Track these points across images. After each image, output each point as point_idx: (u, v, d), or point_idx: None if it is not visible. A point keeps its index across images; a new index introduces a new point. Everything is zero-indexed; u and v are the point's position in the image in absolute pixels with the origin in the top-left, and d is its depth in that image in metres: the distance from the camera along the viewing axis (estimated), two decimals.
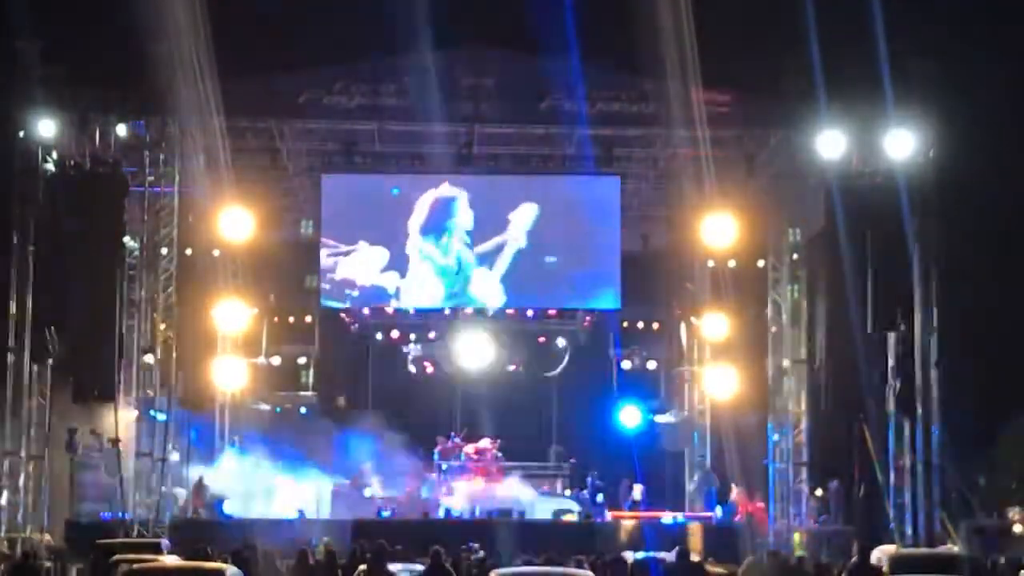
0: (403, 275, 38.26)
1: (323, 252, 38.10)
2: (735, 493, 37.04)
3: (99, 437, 34.23)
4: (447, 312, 40.36)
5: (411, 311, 40.45)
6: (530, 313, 40.73)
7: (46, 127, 33.23)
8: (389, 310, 40.15)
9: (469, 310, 39.99)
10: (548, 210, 37.90)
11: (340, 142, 36.65)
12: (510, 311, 39.90)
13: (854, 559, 24.08)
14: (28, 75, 33.07)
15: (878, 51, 32.30)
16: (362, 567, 23.40)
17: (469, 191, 37.96)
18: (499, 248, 38.03)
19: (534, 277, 38.29)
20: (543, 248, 37.96)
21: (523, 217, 37.94)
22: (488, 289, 38.38)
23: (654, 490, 39.97)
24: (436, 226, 38.13)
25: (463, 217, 38.06)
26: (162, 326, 35.57)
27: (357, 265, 38.18)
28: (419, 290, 38.42)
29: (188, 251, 37.11)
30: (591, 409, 42.85)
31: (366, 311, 40.35)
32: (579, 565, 23.73)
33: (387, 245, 38.09)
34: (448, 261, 38.25)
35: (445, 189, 37.93)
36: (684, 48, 32.03)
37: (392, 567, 23.22)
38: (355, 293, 38.48)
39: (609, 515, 37.29)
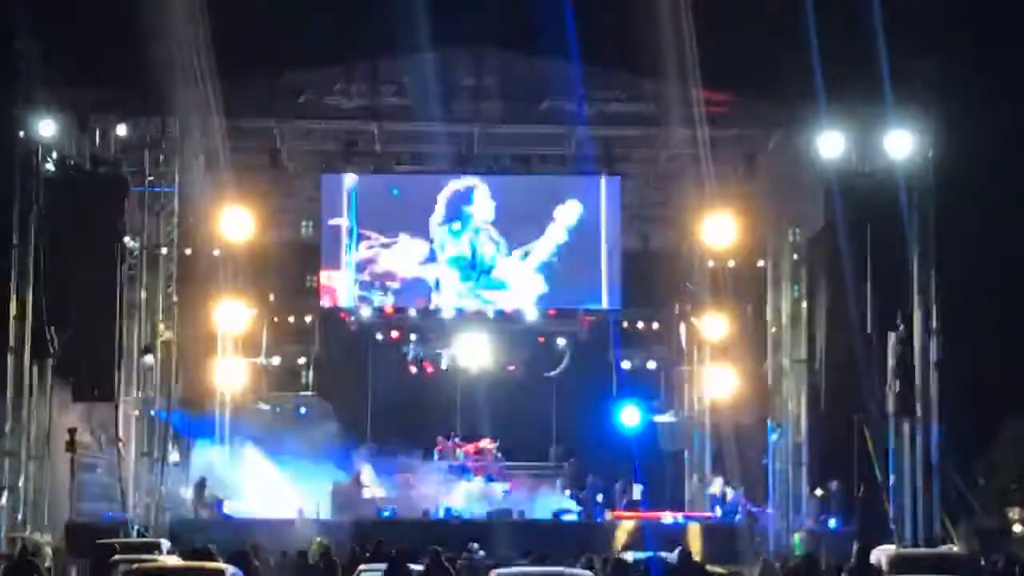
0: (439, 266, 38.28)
1: (362, 244, 38.02)
2: (732, 494, 37.06)
3: (99, 437, 34.26)
4: (447, 312, 40.33)
5: (412, 312, 40.44)
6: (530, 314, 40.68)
7: (46, 127, 33.23)
8: (389, 309, 40.10)
9: (469, 310, 39.92)
10: (550, 210, 37.90)
11: (340, 142, 36.66)
12: (509, 311, 39.82)
13: (854, 559, 24.06)
14: (28, 75, 33.07)
15: (878, 51, 32.30)
16: (362, 567, 23.44)
17: (490, 184, 37.90)
18: (535, 240, 37.94)
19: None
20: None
21: (568, 213, 37.80)
22: (520, 280, 38.22)
23: (654, 490, 39.97)
24: (452, 217, 38.11)
25: (482, 207, 37.99)
26: (162, 326, 35.56)
27: (398, 257, 38.12)
28: (444, 283, 38.41)
29: (188, 251, 37.09)
30: (591, 409, 42.83)
31: (366, 312, 40.29)
32: (579, 565, 23.74)
33: (426, 238, 38.09)
34: (462, 250, 38.21)
35: (462, 181, 37.87)
36: (684, 48, 32.03)
37: (363, 566, 23.33)
38: (396, 285, 38.46)
39: (609, 515, 37.29)
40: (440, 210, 38.10)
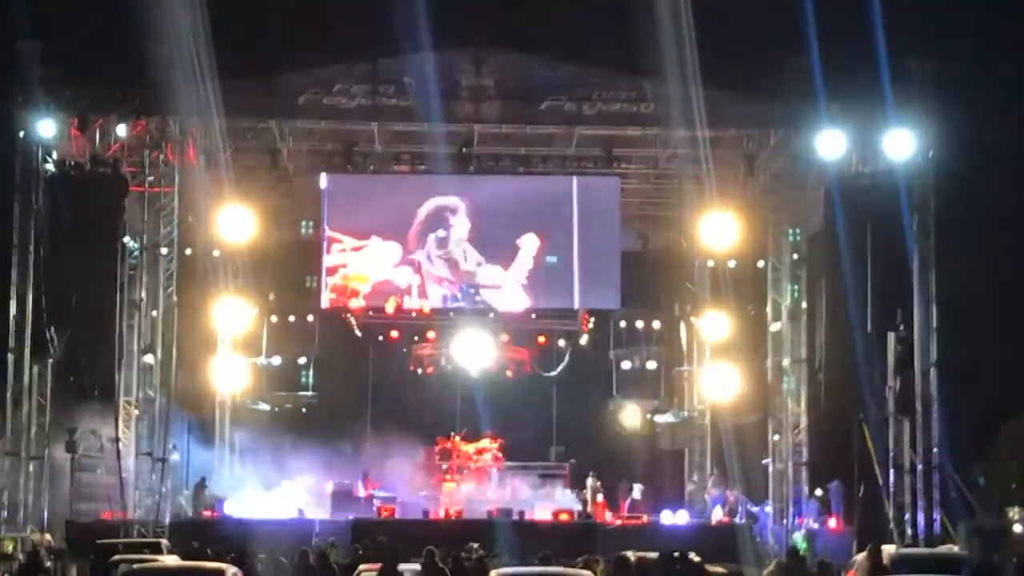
0: (415, 271, 38.10)
1: (334, 248, 37.90)
2: (732, 495, 37.06)
3: (99, 437, 34.25)
4: (448, 313, 40.29)
5: (412, 312, 40.37)
6: (530, 314, 40.63)
7: (46, 127, 33.22)
8: (389, 309, 40.06)
9: (470, 310, 39.87)
10: (548, 210, 37.87)
11: (340, 142, 36.64)
12: (509, 311, 39.73)
13: (864, 558, 24.05)
14: (28, 75, 33.07)
15: (878, 51, 32.34)
16: (362, 567, 23.42)
17: (469, 200, 37.77)
18: (510, 257, 37.90)
19: (535, 278, 38.22)
20: (543, 248, 37.90)
21: (529, 244, 37.82)
22: (503, 291, 38.17)
23: (654, 490, 39.96)
24: (437, 232, 37.94)
25: (461, 226, 37.86)
26: (162, 326, 35.53)
27: (369, 260, 38.00)
28: (431, 291, 38.26)
29: (188, 251, 37.11)
30: (591, 409, 42.85)
31: (365, 311, 40.23)
32: (579, 565, 23.72)
33: (399, 241, 37.96)
34: (451, 263, 38.04)
35: (444, 199, 37.77)
36: (684, 48, 32.03)
37: (363, 566, 23.31)
38: (367, 289, 38.28)
39: (609, 515, 37.28)
40: (423, 222, 37.83)
